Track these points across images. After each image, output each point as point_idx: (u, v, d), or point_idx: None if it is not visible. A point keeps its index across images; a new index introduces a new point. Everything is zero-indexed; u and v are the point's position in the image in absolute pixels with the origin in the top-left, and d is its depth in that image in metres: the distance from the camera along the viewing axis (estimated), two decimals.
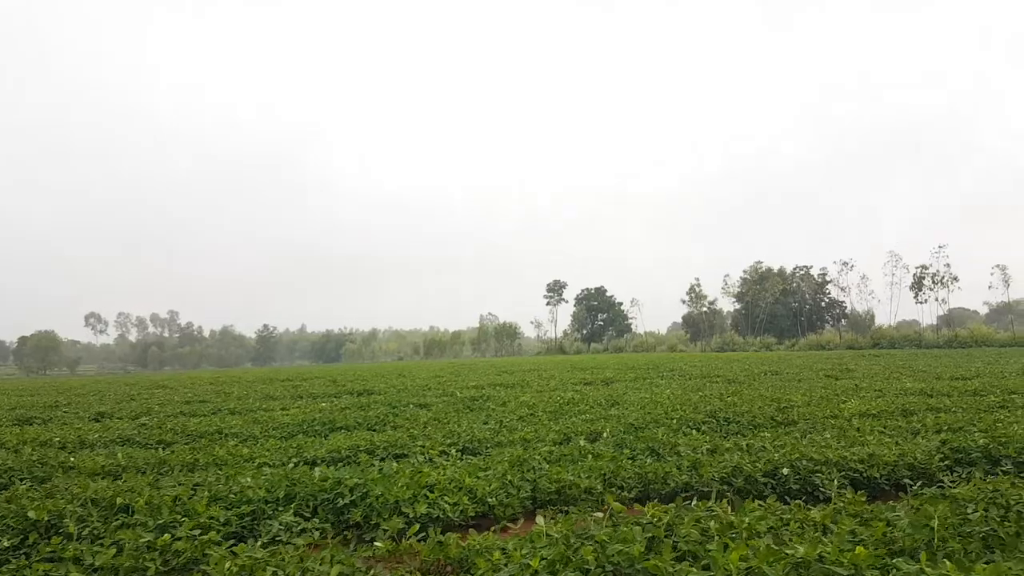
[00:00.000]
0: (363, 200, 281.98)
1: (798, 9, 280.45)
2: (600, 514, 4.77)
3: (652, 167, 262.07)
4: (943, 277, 69.68)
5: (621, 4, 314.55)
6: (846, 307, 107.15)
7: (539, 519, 4.73)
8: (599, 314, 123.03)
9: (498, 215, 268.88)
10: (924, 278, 70.70)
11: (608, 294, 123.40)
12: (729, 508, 4.74)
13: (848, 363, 30.66)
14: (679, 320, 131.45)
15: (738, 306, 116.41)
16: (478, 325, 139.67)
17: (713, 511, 4.68)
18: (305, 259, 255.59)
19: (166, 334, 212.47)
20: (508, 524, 6.00)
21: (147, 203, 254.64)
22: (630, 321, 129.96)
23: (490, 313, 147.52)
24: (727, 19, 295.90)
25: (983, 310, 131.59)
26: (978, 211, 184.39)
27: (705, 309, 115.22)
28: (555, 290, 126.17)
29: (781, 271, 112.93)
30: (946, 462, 7.31)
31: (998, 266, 71.63)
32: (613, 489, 6.64)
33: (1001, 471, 7.01)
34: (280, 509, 5.91)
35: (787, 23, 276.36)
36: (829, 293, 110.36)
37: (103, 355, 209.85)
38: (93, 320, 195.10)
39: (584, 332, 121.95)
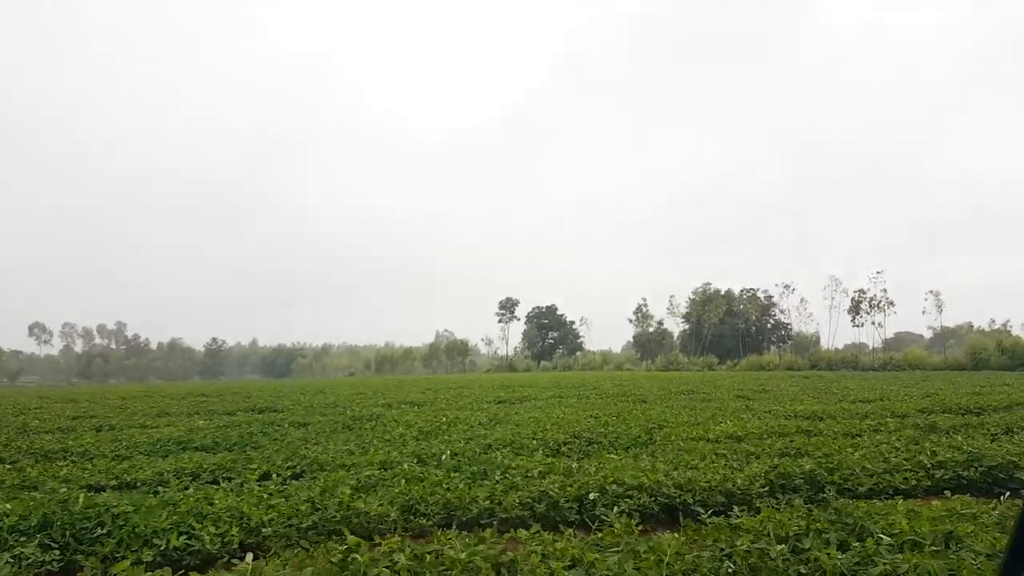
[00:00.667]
0: (321, 218, 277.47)
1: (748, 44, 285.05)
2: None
3: (615, 189, 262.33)
4: (880, 301, 71.71)
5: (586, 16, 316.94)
6: (791, 329, 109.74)
7: (248, 557, 4.26)
8: (550, 332, 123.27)
9: (458, 233, 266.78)
10: (861, 302, 72.68)
11: (559, 313, 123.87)
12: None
13: (769, 384, 30.94)
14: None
15: (686, 327, 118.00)
16: (427, 341, 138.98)
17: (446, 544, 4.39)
18: (260, 275, 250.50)
19: (113, 346, 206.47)
20: (234, 561, 5.36)
21: (98, 214, 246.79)
22: (581, 339, 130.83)
23: (446, 329, 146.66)
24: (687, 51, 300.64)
25: (928, 334, 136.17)
26: (936, 236, 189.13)
27: (652, 329, 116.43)
28: (507, 308, 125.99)
29: (728, 293, 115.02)
30: (767, 488, 7.15)
31: (931, 292, 74.26)
32: (414, 516, 6.33)
33: (822, 496, 6.90)
34: (26, 538, 5.47)
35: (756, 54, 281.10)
36: (774, 315, 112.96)
37: (47, 366, 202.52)
38: (37, 330, 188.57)
39: (534, 350, 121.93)
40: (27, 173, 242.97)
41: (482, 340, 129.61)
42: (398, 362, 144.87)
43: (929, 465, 7.79)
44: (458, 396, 24.77)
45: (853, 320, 73.68)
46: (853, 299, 74.01)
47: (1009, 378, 36.61)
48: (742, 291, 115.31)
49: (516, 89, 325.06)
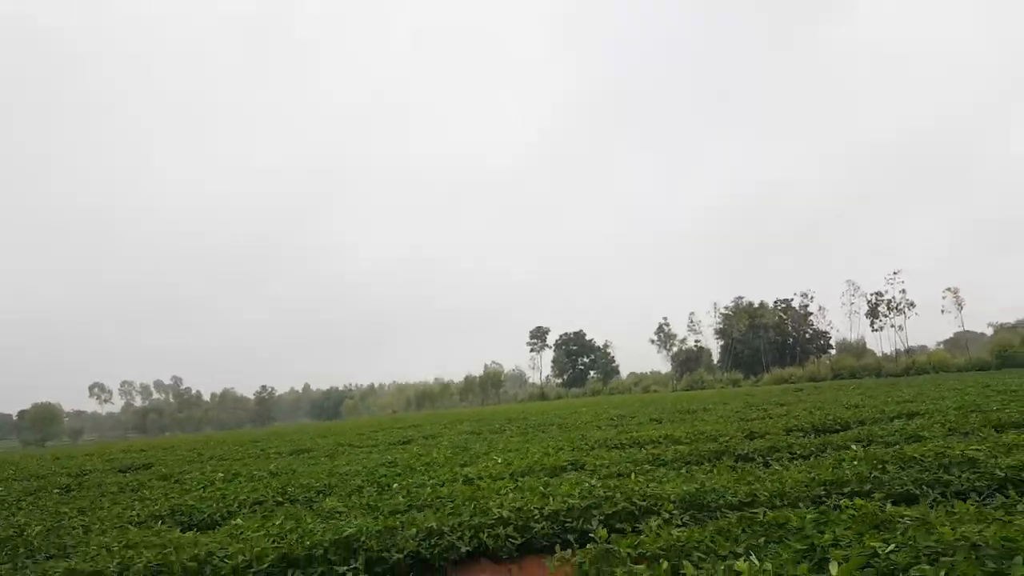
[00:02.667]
0: (366, 260, 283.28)
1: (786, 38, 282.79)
2: None
3: (653, 209, 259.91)
4: (899, 303, 70.14)
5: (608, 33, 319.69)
6: (830, 337, 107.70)
7: None
8: (580, 358, 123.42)
9: (503, 269, 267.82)
10: (879, 305, 71.22)
11: (588, 338, 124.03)
12: None
13: (781, 398, 29.57)
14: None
15: (720, 342, 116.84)
16: (476, 374, 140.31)
17: None
18: (310, 321, 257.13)
19: (171, 400, 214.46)
20: None
21: (153, 275, 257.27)
22: (615, 364, 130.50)
23: (494, 362, 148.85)
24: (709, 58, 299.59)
25: (989, 332, 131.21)
26: (993, 236, 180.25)
27: (688, 346, 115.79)
28: (538, 336, 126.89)
29: (762, 305, 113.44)
30: None
31: (949, 289, 72.02)
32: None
33: None
34: None
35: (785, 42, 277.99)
36: (812, 325, 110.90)
37: (108, 424, 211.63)
38: (97, 390, 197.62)
39: (566, 377, 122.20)
40: (86, 242, 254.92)
41: (513, 370, 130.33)
42: (437, 398, 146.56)
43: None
44: (453, 431, 24.49)
45: (872, 324, 72.25)
46: (870, 302, 72.61)
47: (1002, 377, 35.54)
48: (776, 302, 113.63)
49: (545, 122, 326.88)
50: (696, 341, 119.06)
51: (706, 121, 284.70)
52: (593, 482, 7.40)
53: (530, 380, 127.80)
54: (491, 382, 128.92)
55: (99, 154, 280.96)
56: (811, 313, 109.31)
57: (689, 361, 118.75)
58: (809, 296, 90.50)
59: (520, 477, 9.22)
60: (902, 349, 73.66)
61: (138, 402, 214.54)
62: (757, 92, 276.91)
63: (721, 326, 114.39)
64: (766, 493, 6.45)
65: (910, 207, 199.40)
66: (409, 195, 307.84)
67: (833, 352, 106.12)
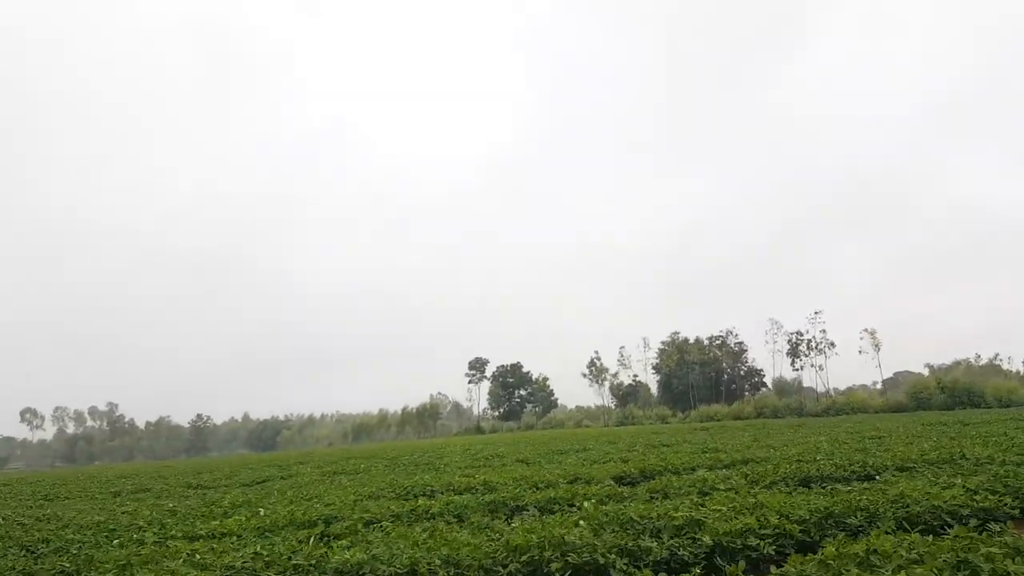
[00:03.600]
0: (312, 288, 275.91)
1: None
2: None
3: (595, 244, 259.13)
4: (819, 343, 69.75)
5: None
6: (763, 375, 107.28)
7: None
8: (517, 390, 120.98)
9: (447, 296, 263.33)
10: (799, 344, 70.70)
11: (525, 370, 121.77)
12: None
13: (675, 437, 29.32)
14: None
15: (657, 377, 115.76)
16: (413, 406, 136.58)
17: None
18: (254, 350, 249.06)
19: (105, 427, 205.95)
20: None
21: (92, 300, 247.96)
22: (554, 397, 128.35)
23: (440, 392, 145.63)
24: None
25: (926, 371, 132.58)
26: (935, 269, 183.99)
27: (628, 380, 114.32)
28: (477, 367, 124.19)
29: (697, 340, 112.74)
30: None
31: (866, 330, 71.90)
32: None
33: None
34: None
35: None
36: (746, 362, 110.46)
37: (39, 452, 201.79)
38: (29, 415, 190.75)
39: (502, 410, 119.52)
40: (15, 262, 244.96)
41: (450, 403, 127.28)
42: (374, 430, 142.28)
43: None
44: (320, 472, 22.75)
45: (792, 363, 71.72)
46: (790, 341, 72.09)
47: (904, 419, 34.85)
48: (711, 338, 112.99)
49: (494, 149, 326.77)
50: (634, 376, 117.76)
51: (651, 157, 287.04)
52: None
53: (470, 412, 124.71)
54: (428, 415, 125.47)
55: (38, 178, 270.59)
56: (745, 351, 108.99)
57: (627, 396, 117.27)
58: (734, 333, 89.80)
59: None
60: (824, 390, 73.12)
61: (71, 429, 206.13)
62: (697, 128, 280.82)
63: (657, 361, 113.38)
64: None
65: (846, 245, 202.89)
66: (356, 222, 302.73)
67: (766, 390, 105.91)
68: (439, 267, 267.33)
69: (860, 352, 71.58)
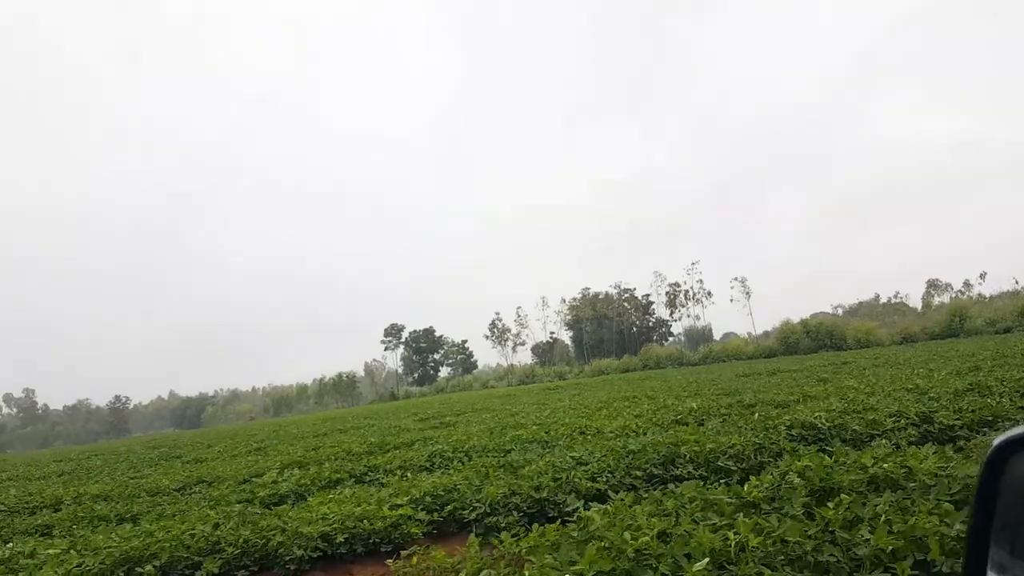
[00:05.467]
0: (239, 265, 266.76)
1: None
2: None
3: (525, 201, 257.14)
4: (695, 293, 71.01)
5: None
6: (669, 326, 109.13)
7: None
8: (430, 355, 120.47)
9: (381, 265, 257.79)
10: (676, 295, 71.93)
11: (438, 335, 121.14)
12: None
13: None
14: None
15: (571, 333, 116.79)
16: (327, 376, 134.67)
17: None
18: (182, 328, 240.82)
19: (19, 414, 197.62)
20: None
21: (7, 284, 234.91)
22: (474, 359, 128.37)
23: (374, 359, 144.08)
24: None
25: (839, 313, 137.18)
26: (859, 212, 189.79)
27: (546, 338, 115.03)
28: (393, 334, 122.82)
29: (607, 295, 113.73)
30: None
31: (736, 279, 73.25)
32: None
33: None
34: None
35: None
36: (654, 314, 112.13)
37: None
38: None
39: (416, 375, 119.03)
40: None
41: (364, 370, 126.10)
42: (293, 402, 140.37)
43: None
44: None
45: (671, 314, 72.92)
46: (668, 293, 73.34)
47: (761, 365, 35.63)
48: (619, 291, 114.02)
49: (429, 117, 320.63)
50: (551, 333, 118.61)
51: (586, 115, 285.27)
52: None
53: (389, 378, 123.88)
54: (344, 384, 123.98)
55: None
56: (652, 303, 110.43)
57: (545, 353, 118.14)
58: (626, 286, 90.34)
59: None
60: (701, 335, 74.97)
61: None
62: (632, 88, 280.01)
63: (570, 317, 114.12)
64: None
65: (771, 196, 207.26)
66: (285, 199, 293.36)
67: (674, 339, 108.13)
68: (373, 242, 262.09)
69: (732, 300, 73.38)
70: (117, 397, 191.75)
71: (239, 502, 7.74)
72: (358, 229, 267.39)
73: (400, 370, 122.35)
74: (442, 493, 6.41)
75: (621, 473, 6.20)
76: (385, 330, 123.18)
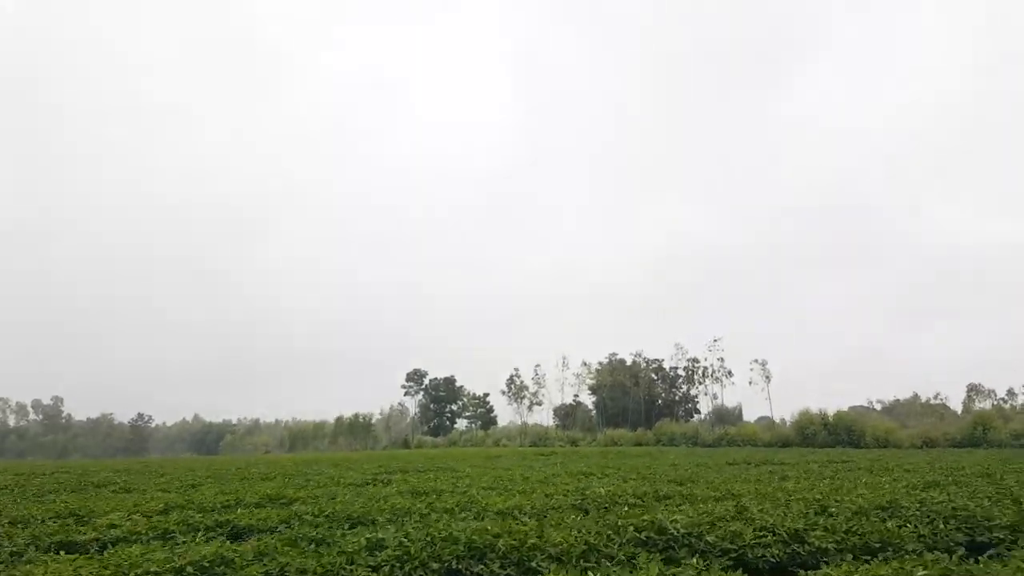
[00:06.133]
0: (276, 293, 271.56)
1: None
2: None
3: (568, 264, 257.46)
4: (715, 371, 69.25)
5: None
6: (696, 401, 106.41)
7: None
8: (449, 405, 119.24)
9: (425, 307, 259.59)
10: (695, 372, 70.20)
11: (458, 385, 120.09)
12: None
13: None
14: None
15: (593, 399, 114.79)
16: (347, 416, 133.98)
17: None
18: (215, 349, 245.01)
19: (44, 421, 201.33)
20: None
21: (47, 291, 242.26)
22: (494, 414, 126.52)
23: (395, 404, 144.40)
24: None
25: (878, 407, 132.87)
26: (904, 307, 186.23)
27: (568, 401, 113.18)
28: (415, 379, 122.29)
29: (634, 363, 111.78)
30: None
31: (756, 360, 71.27)
32: None
33: None
34: None
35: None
36: (682, 388, 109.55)
37: None
38: None
39: (432, 424, 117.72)
40: None
41: (379, 415, 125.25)
42: (309, 439, 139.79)
43: None
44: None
45: (688, 390, 71.01)
46: (686, 368, 71.60)
47: (746, 453, 34.10)
48: (647, 361, 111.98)
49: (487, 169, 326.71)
50: (575, 396, 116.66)
51: (639, 182, 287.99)
52: None
53: (406, 423, 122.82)
54: (360, 426, 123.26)
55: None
56: (680, 376, 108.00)
57: (567, 416, 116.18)
58: (683, 353, 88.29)
59: None
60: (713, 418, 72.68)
61: (12, 422, 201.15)
62: (687, 156, 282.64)
63: (593, 382, 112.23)
64: None
65: (812, 273, 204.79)
66: (335, 229, 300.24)
67: (701, 416, 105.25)
68: (412, 284, 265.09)
69: (750, 383, 71.30)
70: (140, 415, 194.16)
71: None
72: (400, 268, 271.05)
73: (416, 417, 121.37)
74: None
75: (411, 565, 5.53)
76: (407, 374, 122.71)
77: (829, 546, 6.22)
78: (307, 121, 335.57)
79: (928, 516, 7.72)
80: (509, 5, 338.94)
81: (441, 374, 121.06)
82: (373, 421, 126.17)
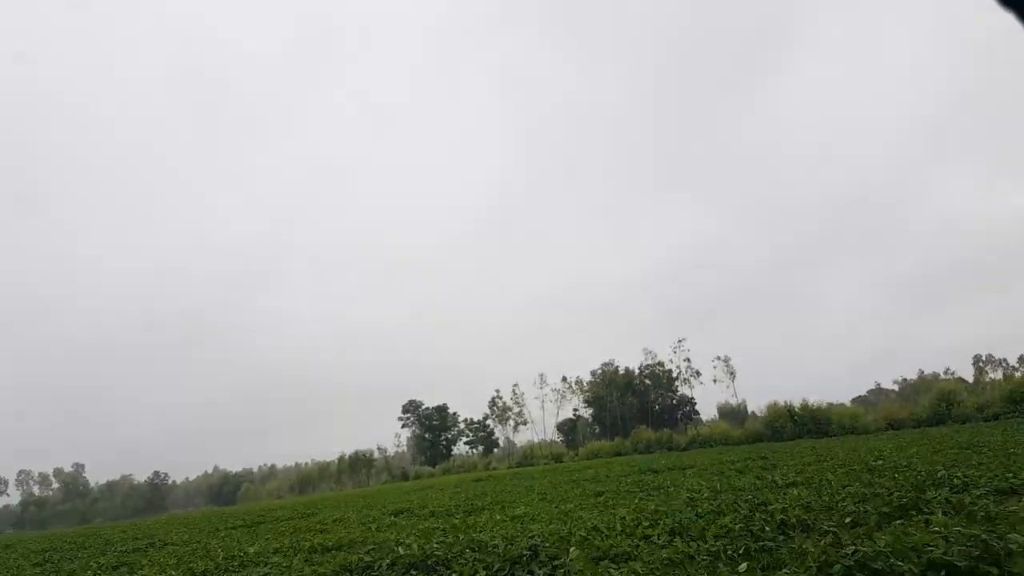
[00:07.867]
0: (290, 336, 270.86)
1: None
2: None
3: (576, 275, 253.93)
4: (682, 372, 67.16)
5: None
6: (695, 404, 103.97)
7: None
8: (443, 433, 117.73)
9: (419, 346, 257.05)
10: (660, 375, 68.18)
11: (451, 412, 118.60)
12: None
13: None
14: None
15: (591, 410, 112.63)
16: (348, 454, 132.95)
17: None
18: (227, 401, 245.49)
19: (64, 490, 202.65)
20: None
21: (59, 361, 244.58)
22: (495, 437, 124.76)
23: (408, 437, 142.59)
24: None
25: (896, 388, 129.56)
26: (926, 289, 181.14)
27: (568, 416, 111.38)
28: (411, 410, 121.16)
29: (628, 371, 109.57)
30: None
31: (719, 358, 69.06)
32: None
33: None
34: None
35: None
36: (677, 391, 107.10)
37: (2, 517, 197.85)
38: None
39: (427, 454, 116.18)
40: None
41: (378, 449, 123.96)
42: (316, 481, 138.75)
43: None
44: None
45: (665, 393, 68.98)
46: (653, 371, 69.57)
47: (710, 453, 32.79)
48: (643, 367, 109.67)
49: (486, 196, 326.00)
50: (575, 410, 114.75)
51: (646, 186, 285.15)
52: None
53: (394, 458, 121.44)
54: (361, 463, 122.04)
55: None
56: (676, 379, 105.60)
57: (569, 430, 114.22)
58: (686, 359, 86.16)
59: None
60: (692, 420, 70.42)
61: (38, 492, 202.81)
62: (682, 159, 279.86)
63: (589, 395, 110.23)
64: None
65: (833, 267, 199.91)
66: (343, 269, 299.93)
67: (700, 418, 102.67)
68: (415, 315, 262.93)
69: (715, 381, 69.19)
70: (156, 473, 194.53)
71: None
72: (407, 299, 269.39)
73: (411, 449, 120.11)
74: None
75: None
76: (403, 406, 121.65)
77: None
78: (303, 170, 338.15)
79: None
80: (484, 36, 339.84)
81: (434, 403, 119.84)
82: (374, 456, 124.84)
